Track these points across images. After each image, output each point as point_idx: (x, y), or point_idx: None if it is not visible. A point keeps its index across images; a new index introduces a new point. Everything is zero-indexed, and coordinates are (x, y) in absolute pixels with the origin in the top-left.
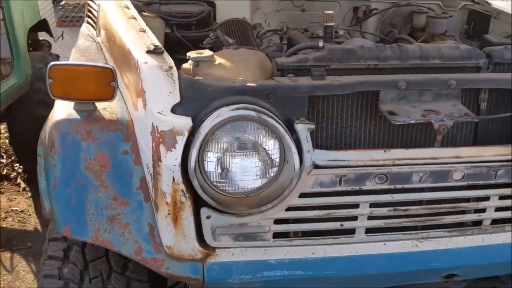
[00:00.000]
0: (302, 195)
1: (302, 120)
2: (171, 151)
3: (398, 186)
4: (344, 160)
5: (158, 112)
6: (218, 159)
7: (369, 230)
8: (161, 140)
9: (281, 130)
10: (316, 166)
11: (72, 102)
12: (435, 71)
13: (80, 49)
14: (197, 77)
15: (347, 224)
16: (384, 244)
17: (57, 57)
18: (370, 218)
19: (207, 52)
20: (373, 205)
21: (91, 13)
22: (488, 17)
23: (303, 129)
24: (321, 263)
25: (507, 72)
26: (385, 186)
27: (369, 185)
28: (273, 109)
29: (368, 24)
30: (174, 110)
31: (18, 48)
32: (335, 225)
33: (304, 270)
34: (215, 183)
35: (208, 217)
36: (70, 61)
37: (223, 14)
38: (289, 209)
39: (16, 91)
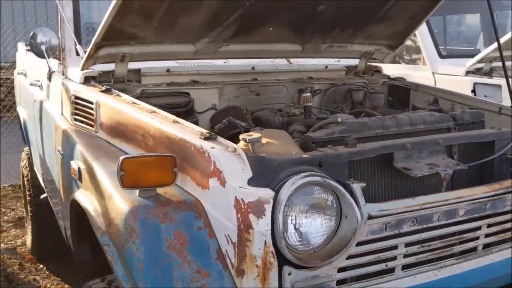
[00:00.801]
0: (359, 244)
1: (352, 180)
2: (262, 218)
3: (424, 226)
4: (389, 210)
5: (240, 187)
6: (293, 221)
7: (404, 267)
8: (249, 210)
9: (342, 190)
10: (370, 217)
11: (132, 190)
12: (420, 134)
13: (93, 146)
14: (262, 154)
15: (390, 264)
16: (414, 277)
17: None
18: (405, 256)
19: (255, 134)
20: (407, 245)
21: (82, 111)
22: (408, 90)
23: (357, 187)
24: None
25: (467, 130)
26: (415, 227)
27: (405, 228)
28: (324, 174)
29: (314, 102)
30: (249, 183)
31: None
32: (382, 266)
33: None
34: (290, 243)
35: (289, 274)
36: (138, 153)
37: (197, 102)
38: (349, 257)
39: None
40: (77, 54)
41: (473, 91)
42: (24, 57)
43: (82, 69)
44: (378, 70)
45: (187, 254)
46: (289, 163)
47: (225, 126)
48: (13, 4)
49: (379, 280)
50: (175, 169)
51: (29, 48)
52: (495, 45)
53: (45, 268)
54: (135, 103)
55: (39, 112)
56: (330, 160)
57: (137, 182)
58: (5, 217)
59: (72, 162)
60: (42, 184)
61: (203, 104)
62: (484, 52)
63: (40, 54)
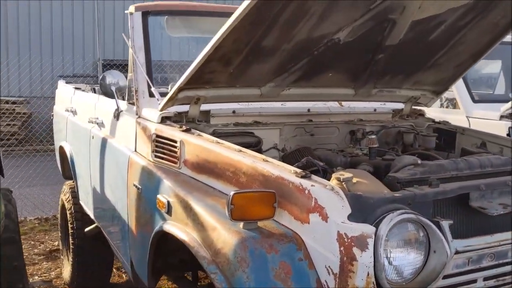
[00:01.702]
0: (445, 277)
1: (439, 218)
2: (365, 251)
3: (500, 261)
4: (472, 245)
5: (342, 222)
6: (388, 254)
7: None
8: (353, 243)
9: (433, 227)
10: (457, 252)
11: (236, 222)
12: (488, 176)
13: (181, 182)
14: (359, 193)
15: None
16: None
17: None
18: None
19: (347, 174)
20: (485, 279)
21: (164, 148)
22: (453, 133)
23: (445, 224)
24: None
25: None
26: (493, 262)
27: (484, 263)
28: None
29: (363, 143)
30: (349, 219)
31: None
32: None
33: None
34: (384, 274)
35: None
36: (245, 189)
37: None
38: None
39: None
40: (150, 95)
41: (508, 134)
42: (71, 95)
43: (161, 110)
44: (421, 114)
45: (291, 283)
46: (383, 201)
47: (303, 165)
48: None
49: None
50: (275, 204)
51: (77, 87)
52: None
53: None
54: (219, 142)
55: (100, 148)
56: (418, 199)
57: (244, 215)
58: (36, 250)
59: (159, 196)
60: (93, 217)
61: (265, 144)
62: None
63: (109, 95)
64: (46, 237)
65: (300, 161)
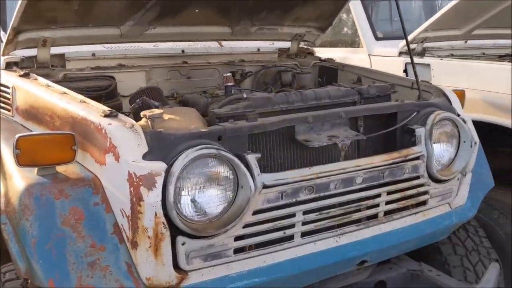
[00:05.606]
0: (255, 212)
1: (248, 152)
2: (152, 190)
3: (321, 194)
4: (284, 179)
5: (133, 161)
6: (188, 192)
7: (303, 234)
8: (140, 183)
9: (236, 161)
10: (265, 186)
11: (30, 168)
12: (326, 108)
13: (8, 131)
14: (159, 129)
15: (288, 232)
16: (315, 244)
17: None
18: (304, 223)
19: (157, 111)
20: (305, 212)
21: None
22: (335, 70)
23: (252, 158)
24: (271, 268)
25: (373, 103)
26: (312, 196)
27: (301, 197)
28: (223, 147)
29: (245, 84)
30: (145, 157)
31: None
32: (279, 234)
33: (259, 277)
34: (185, 213)
35: (183, 244)
36: (35, 132)
37: (122, 85)
38: (245, 226)
39: None
40: None
41: (405, 71)
42: None
43: (3, 54)
44: (310, 53)
45: (82, 229)
46: (186, 137)
47: (139, 106)
48: None
49: (278, 247)
50: (74, 147)
51: None
52: (424, 26)
53: None
54: (49, 86)
55: None
56: (229, 134)
57: (34, 160)
58: None
59: None
60: None
61: (130, 88)
62: (414, 33)
63: None
64: None
65: (136, 102)
